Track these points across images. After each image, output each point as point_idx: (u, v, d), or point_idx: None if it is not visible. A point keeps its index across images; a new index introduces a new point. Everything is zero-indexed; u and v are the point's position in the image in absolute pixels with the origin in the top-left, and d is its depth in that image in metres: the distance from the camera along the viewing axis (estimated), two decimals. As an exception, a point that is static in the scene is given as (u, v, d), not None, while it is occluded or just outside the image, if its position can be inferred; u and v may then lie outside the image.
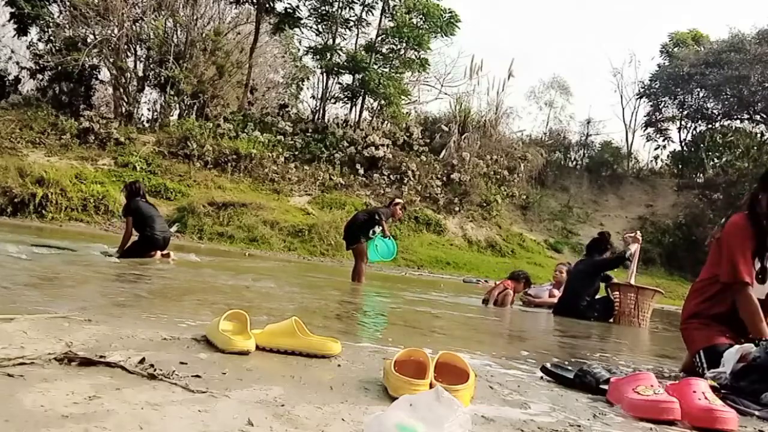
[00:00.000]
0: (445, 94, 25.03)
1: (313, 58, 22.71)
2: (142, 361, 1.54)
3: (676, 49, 26.31)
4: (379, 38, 21.66)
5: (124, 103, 19.48)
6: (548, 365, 2.17)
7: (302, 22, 21.96)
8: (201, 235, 14.03)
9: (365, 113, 22.14)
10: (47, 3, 19.26)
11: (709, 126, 26.07)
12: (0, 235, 7.17)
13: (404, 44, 21.63)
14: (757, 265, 2.58)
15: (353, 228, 7.49)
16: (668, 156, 26.76)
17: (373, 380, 1.70)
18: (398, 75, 21.99)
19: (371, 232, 7.31)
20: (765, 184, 2.62)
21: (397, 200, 8.01)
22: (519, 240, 19.34)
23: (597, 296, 6.36)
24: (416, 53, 22.05)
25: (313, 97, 24.64)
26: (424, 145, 20.80)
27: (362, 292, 6.42)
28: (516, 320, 5.42)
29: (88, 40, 18.76)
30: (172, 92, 19.13)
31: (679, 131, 26.52)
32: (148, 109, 20.71)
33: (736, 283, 2.55)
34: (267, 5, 20.62)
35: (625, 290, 6.09)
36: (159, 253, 6.61)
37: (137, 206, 6.63)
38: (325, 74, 22.08)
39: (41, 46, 19.63)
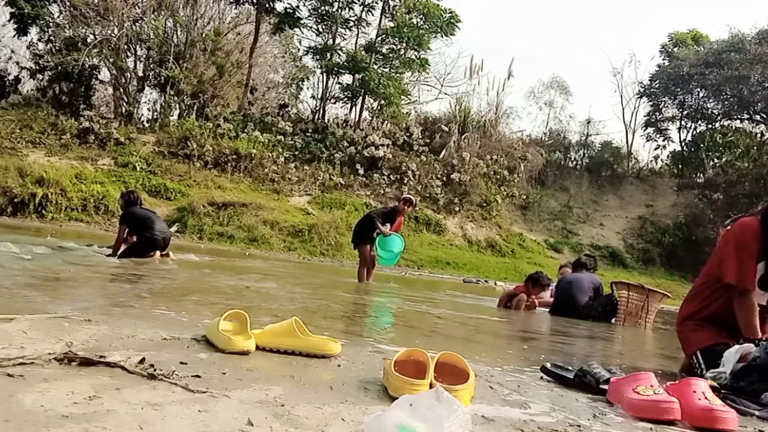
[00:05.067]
0: (445, 94, 25.05)
1: (313, 58, 22.71)
2: (142, 361, 1.54)
3: (676, 49, 26.29)
4: (379, 38, 21.64)
5: (124, 103, 19.46)
6: (548, 365, 2.17)
7: (302, 22, 21.95)
8: (201, 235, 14.02)
9: (365, 113, 22.15)
10: (47, 3, 19.24)
11: (709, 126, 26.06)
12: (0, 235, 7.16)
13: (404, 44, 21.61)
14: (761, 271, 2.58)
15: (358, 228, 7.58)
16: (668, 156, 26.79)
17: (373, 380, 1.70)
18: (398, 75, 21.97)
19: (374, 233, 7.30)
20: None
21: (405, 196, 7.90)
22: (519, 240, 19.33)
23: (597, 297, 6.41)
24: (416, 53, 22.04)
25: (313, 97, 24.66)
26: (424, 145, 20.78)
27: (362, 292, 6.41)
28: (516, 320, 5.41)
29: (88, 40, 18.75)
30: (172, 92, 19.12)
31: (679, 131, 26.55)
32: (148, 109, 20.71)
33: (739, 286, 2.56)
34: (267, 5, 20.62)
35: (634, 290, 6.11)
36: (158, 253, 6.60)
37: (132, 213, 6.58)
38: (325, 74, 22.08)
39: (41, 46, 19.60)
